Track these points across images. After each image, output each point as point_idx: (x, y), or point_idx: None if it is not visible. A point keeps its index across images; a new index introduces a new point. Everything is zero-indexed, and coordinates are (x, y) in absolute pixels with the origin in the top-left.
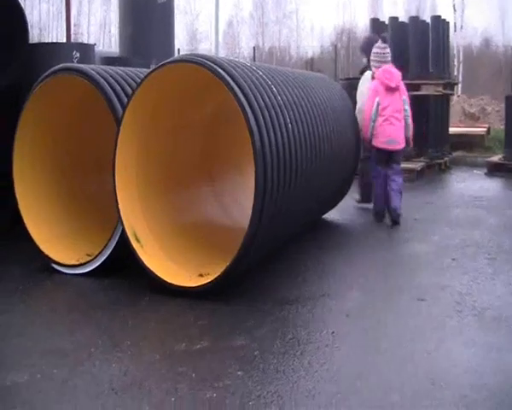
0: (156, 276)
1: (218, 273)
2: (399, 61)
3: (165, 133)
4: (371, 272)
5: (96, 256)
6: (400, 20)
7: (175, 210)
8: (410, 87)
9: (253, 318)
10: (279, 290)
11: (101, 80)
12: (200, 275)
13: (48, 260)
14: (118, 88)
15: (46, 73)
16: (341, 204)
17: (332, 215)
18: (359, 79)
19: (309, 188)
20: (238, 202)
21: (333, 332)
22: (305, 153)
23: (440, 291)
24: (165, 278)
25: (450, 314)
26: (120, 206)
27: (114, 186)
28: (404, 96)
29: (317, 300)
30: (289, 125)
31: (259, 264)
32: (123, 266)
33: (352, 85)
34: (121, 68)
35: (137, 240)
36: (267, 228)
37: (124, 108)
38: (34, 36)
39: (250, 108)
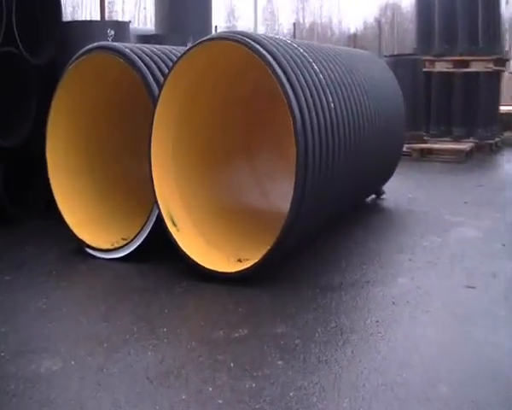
0: (193, 261)
1: (258, 259)
2: (447, 35)
3: (202, 112)
4: (418, 258)
5: (132, 240)
6: None
7: (213, 192)
8: (458, 63)
9: (294, 305)
10: (321, 276)
11: (137, 59)
12: (239, 260)
13: (82, 244)
14: (153, 67)
15: (80, 52)
16: (387, 186)
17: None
18: (405, 55)
19: (352, 169)
20: (278, 184)
21: (377, 321)
22: (347, 133)
23: (490, 278)
24: (203, 264)
25: (500, 302)
26: (156, 187)
27: (150, 167)
28: None
29: (362, 286)
30: (331, 104)
31: (301, 247)
32: (159, 250)
33: (397, 62)
34: (157, 47)
35: (174, 223)
36: (308, 211)
37: (160, 87)
38: (67, 14)
39: (291, 87)
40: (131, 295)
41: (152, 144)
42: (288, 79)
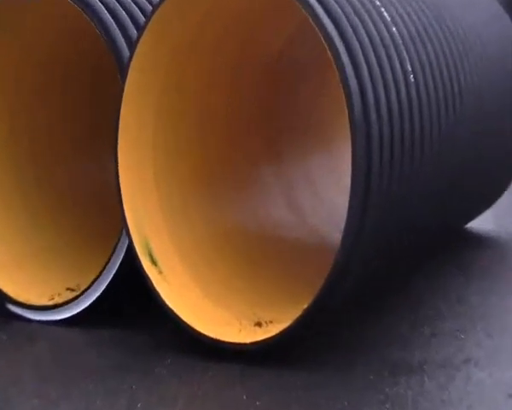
0: (184, 323)
1: (288, 322)
2: None
3: (202, 85)
4: None
5: (84, 292)
6: None
7: (216, 211)
8: None
9: (345, 396)
10: (391, 349)
11: (96, 2)
12: (258, 324)
13: (2, 298)
14: (122, 15)
15: None
16: (501, 202)
17: (484, 221)
18: None
19: (443, 176)
20: (320, 198)
21: None
22: (436, 120)
23: None
24: (200, 328)
25: None
26: (126, 204)
27: (116, 173)
28: None
29: (457, 368)
30: (410, 75)
31: (359, 302)
32: (131, 305)
33: None
34: None
35: (153, 262)
36: (371, 245)
37: (132, 47)
38: None
39: (345, 48)
40: (82, 382)
41: (119, 138)
42: (341, 35)
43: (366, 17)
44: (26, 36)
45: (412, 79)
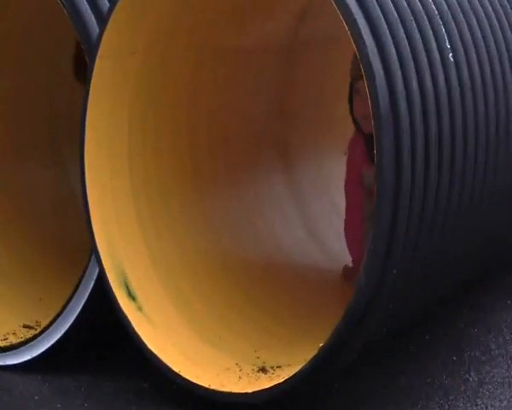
0: (171, 371)
1: (298, 366)
2: None
3: (187, 77)
4: None
5: (45, 330)
6: None
7: (212, 233)
8: None
9: None
10: (430, 402)
11: None
12: (263, 369)
13: None
14: None
15: None
16: None
17: None
18: None
19: (494, 183)
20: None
21: None
22: (483, 118)
23: None
24: (191, 377)
25: None
26: (95, 222)
27: (83, 181)
28: None
29: None
30: (450, 55)
31: (383, 347)
32: (101, 346)
33: None
34: None
35: (131, 296)
36: (399, 279)
37: (102, 26)
38: None
39: (367, 22)
40: None
41: (86, 139)
42: (362, 5)
43: None
44: None
45: (452, 60)
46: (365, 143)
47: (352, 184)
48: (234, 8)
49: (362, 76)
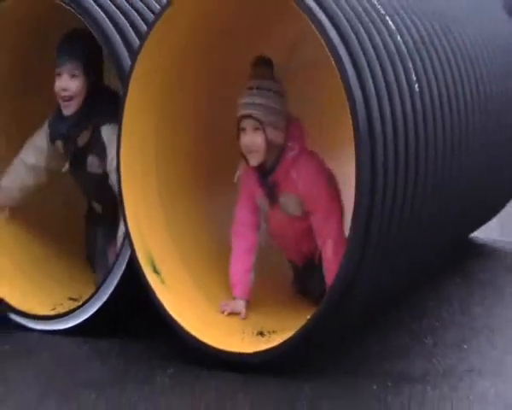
0: (187, 333)
1: (292, 332)
2: None
3: (208, 90)
4: None
5: (87, 301)
6: None
7: (220, 221)
8: None
9: (348, 406)
10: (394, 360)
11: (97, 11)
12: (261, 334)
13: (5, 307)
14: (122, 21)
15: None
16: (507, 211)
17: (489, 231)
18: None
19: (450, 187)
20: None
21: None
22: (443, 135)
23: None
24: (203, 338)
25: None
26: (127, 211)
27: (119, 183)
28: None
29: (460, 378)
30: (416, 85)
31: (363, 315)
32: (132, 316)
33: None
34: None
35: (156, 271)
36: (376, 258)
37: (134, 53)
38: None
39: (349, 56)
40: (83, 392)
41: (121, 145)
42: (345, 43)
43: (370, 25)
44: None
45: (417, 89)
46: (257, 172)
47: (246, 211)
48: (234, 33)
49: (247, 116)
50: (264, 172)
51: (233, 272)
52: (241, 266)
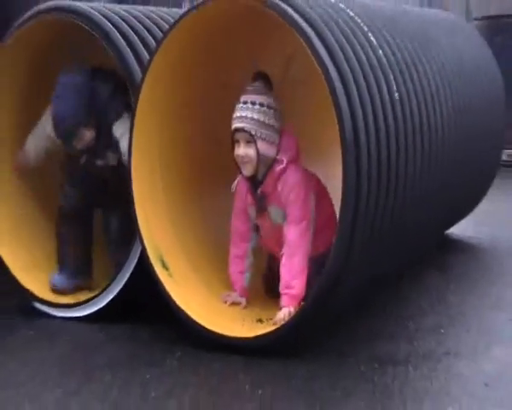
0: (192, 320)
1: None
2: None
3: (210, 103)
4: None
5: (102, 291)
6: None
7: (219, 218)
8: None
9: (339, 385)
10: (379, 344)
11: (110, 28)
12: (259, 320)
13: (28, 296)
14: (134, 39)
15: (27, 15)
16: (481, 209)
17: (464, 228)
18: (507, 17)
19: (426, 191)
20: None
21: None
22: (421, 139)
23: None
24: (207, 324)
25: None
26: (138, 211)
27: (129, 180)
28: None
29: (438, 360)
30: (396, 94)
31: (351, 303)
32: (142, 305)
33: (495, 28)
34: (139, 8)
35: (165, 266)
36: (362, 251)
37: (144, 68)
38: None
39: (336, 69)
40: (101, 373)
41: (133, 151)
42: (332, 57)
43: (354, 42)
44: None
45: (397, 98)
46: (249, 182)
47: (239, 222)
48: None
49: (240, 129)
50: (255, 183)
51: (230, 273)
52: (235, 268)
